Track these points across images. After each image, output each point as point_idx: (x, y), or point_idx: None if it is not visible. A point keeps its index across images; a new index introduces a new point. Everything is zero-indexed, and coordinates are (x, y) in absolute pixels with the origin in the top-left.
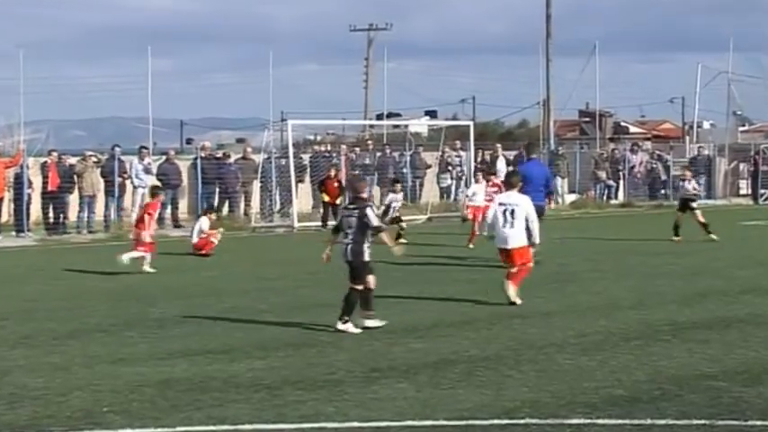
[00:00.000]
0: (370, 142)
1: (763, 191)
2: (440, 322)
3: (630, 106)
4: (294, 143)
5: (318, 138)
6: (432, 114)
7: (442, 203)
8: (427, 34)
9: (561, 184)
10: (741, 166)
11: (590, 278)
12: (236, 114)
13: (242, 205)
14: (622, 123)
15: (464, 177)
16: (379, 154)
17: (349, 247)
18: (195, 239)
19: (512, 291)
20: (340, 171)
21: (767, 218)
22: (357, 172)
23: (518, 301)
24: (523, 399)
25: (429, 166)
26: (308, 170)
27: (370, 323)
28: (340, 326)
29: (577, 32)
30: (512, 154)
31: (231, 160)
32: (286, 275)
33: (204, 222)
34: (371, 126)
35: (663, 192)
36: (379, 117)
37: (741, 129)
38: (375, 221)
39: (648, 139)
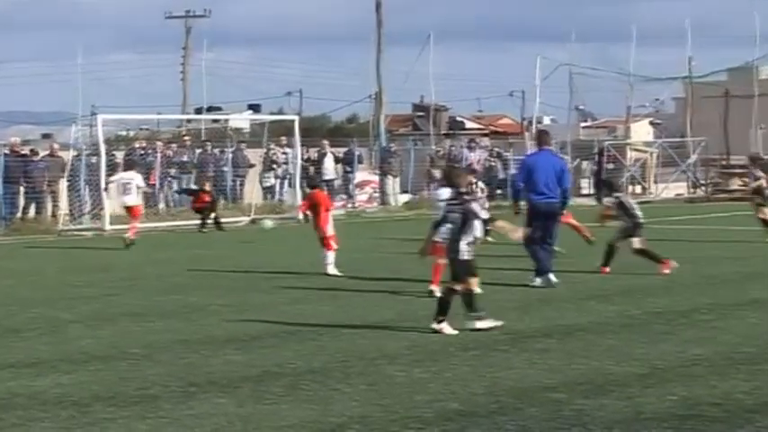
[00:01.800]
0: (187, 138)
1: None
2: (263, 332)
3: (468, 100)
4: (105, 139)
5: (132, 133)
6: (255, 108)
7: (266, 204)
8: (250, 22)
9: (392, 183)
10: (584, 164)
11: (423, 285)
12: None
13: (49, 206)
14: (458, 118)
15: (288, 177)
16: (199, 151)
17: (448, 243)
18: None
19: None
20: (209, 182)
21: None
22: (444, 164)
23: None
24: (352, 414)
25: (252, 165)
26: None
27: (482, 324)
28: (435, 326)
29: (411, 21)
30: (341, 151)
31: (38, 158)
32: (95, 282)
33: None
34: (189, 121)
35: (501, 191)
36: (198, 111)
37: (583, 124)
38: (483, 214)
39: (487, 135)
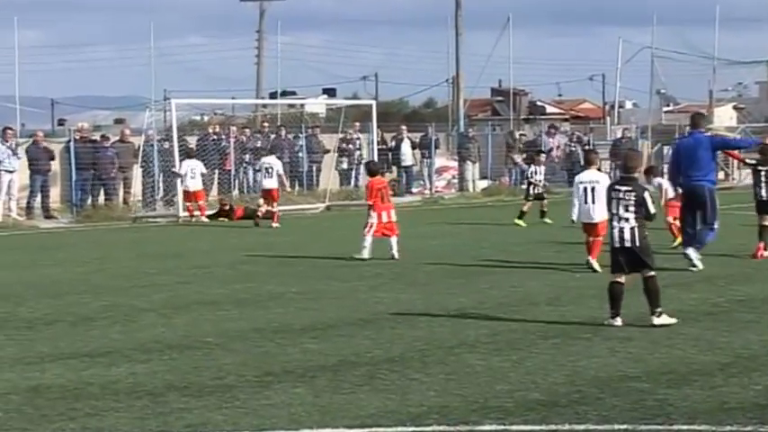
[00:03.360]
0: (265, 124)
1: None
2: (339, 321)
3: (547, 84)
4: (179, 125)
5: (206, 118)
6: (330, 93)
7: (341, 191)
8: (326, 5)
9: (471, 169)
10: (665, 149)
11: (503, 271)
12: (113, 92)
13: (121, 193)
14: (538, 103)
15: (363, 161)
16: (273, 136)
17: (628, 229)
18: None
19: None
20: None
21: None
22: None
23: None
24: (431, 404)
25: (327, 151)
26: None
27: (659, 321)
28: (656, 320)
29: (490, 3)
30: (418, 136)
31: (109, 143)
32: (168, 270)
33: None
34: (264, 106)
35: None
36: (273, 96)
37: (665, 109)
38: (653, 208)
39: (567, 119)
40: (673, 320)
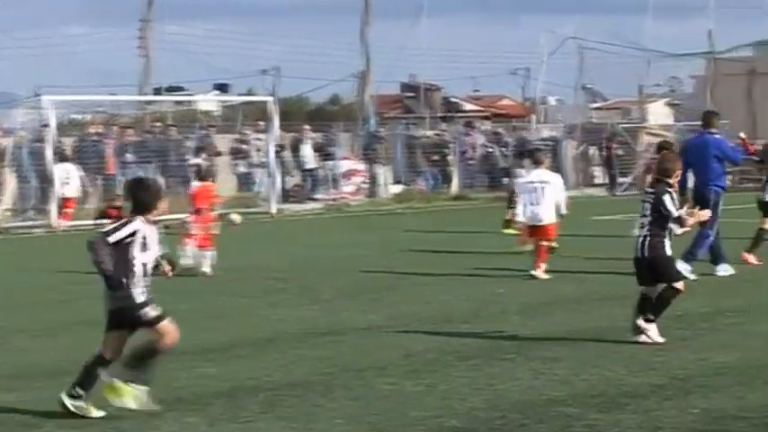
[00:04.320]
0: (157, 123)
1: (622, 180)
2: (236, 341)
3: (464, 78)
4: (57, 124)
5: (88, 117)
6: (223, 88)
7: (237, 197)
8: None
9: (383, 173)
10: (591, 149)
11: (416, 285)
12: None
13: None
14: (453, 99)
15: (265, 164)
16: (162, 137)
17: (643, 240)
18: None
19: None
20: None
21: (626, 211)
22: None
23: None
24: None
25: (218, 153)
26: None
27: (646, 337)
28: (640, 323)
29: None
30: (321, 136)
31: None
32: (49, 286)
33: None
34: (148, 103)
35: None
36: (158, 92)
37: (592, 105)
38: (674, 211)
39: (488, 117)
40: (659, 339)
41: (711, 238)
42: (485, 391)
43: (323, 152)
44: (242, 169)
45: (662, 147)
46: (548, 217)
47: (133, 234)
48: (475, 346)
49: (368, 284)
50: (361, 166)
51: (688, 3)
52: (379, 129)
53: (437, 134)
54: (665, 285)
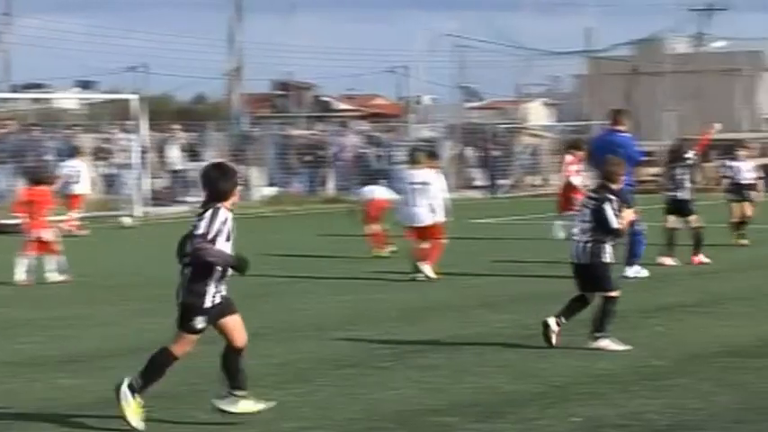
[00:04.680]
0: (11, 121)
1: (502, 181)
2: (101, 351)
3: (341, 77)
4: None
5: None
6: (85, 86)
7: (101, 200)
8: None
9: (255, 174)
10: (468, 150)
11: (289, 290)
12: None
13: None
14: (325, 98)
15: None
16: (24, 137)
17: (583, 245)
18: None
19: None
20: None
21: (506, 213)
22: (573, 148)
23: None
24: None
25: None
26: None
27: (605, 344)
28: (594, 344)
29: None
30: (190, 136)
31: None
32: None
33: None
34: (4, 100)
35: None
36: (17, 89)
37: (469, 105)
38: (615, 223)
39: (363, 117)
40: (621, 347)
41: (643, 235)
42: (361, 401)
43: (192, 153)
44: (106, 170)
45: (573, 146)
46: (428, 217)
47: (224, 223)
48: (350, 354)
49: (238, 291)
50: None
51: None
52: (251, 129)
53: (313, 134)
54: (602, 298)
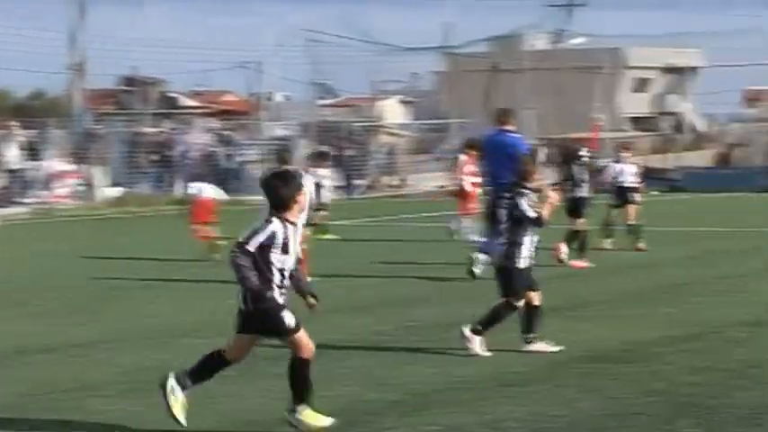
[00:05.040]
0: None
1: (359, 182)
2: None
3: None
4: None
5: None
6: None
7: None
8: None
9: (98, 174)
10: (325, 149)
11: (135, 296)
12: None
13: None
14: (172, 94)
15: None
16: None
17: (501, 247)
18: None
19: None
20: None
21: (361, 215)
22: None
23: None
24: None
25: None
26: None
27: (537, 347)
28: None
29: None
30: (33, 134)
31: None
32: None
33: None
34: None
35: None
36: None
37: (322, 102)
38: (530, 211)
39: (212, 114)
40: (482, 352)
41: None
42: (210, 410)
43: (31, 151)
44: None
45: (469, 146)
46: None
47: (272, 237)
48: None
49: (80, 297)
50: (74, 166)
51: None
52: (94, 126)
53: (161, 132)
54: (502, 300)
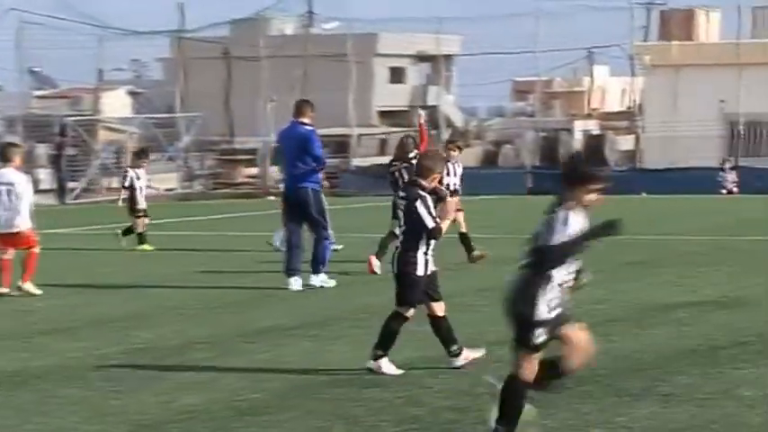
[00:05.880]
0: None
1: (73, 184)
2: None
3: None
4: None
5: None
6: None
7: None
8: None
9: None
10: (40, 148)
11: None
12: None
13: None
14: None
15: None
16: None
17: (398, 253)
18: None
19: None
20: None
21: (82, 223)
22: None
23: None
24: None
25: None
26: None
27: (465, 357)
28: (371, 364)
29: None
30: None
31: None
32: None
33: None
34: None
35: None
36: None
37: (38, 93)
38: (430, 221)
39: None
40: (394, 372)
41: (329, 240)
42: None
43: None
44: None
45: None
46: (23, 223)
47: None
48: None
49: None
50: None
51: None
52: None
53: None
54: (394, 311)
